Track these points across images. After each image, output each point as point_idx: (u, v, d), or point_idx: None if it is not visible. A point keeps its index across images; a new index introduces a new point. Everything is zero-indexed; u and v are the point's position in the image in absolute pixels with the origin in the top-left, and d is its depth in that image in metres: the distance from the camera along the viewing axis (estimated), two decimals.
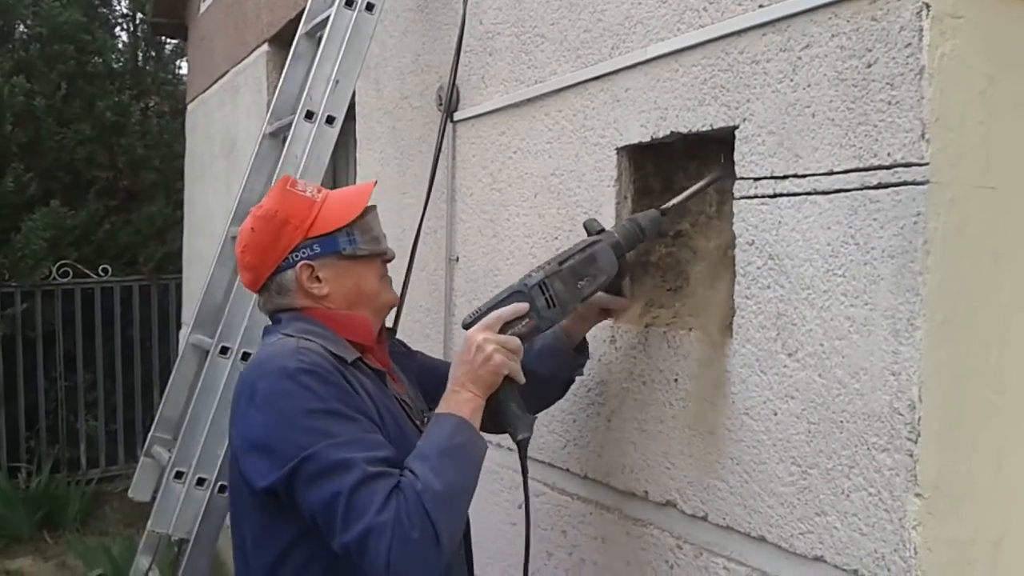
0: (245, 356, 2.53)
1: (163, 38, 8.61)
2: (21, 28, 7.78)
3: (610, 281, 1.79)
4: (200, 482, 2.51)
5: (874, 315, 1.41)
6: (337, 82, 2.61)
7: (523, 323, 1.68)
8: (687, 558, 1.82)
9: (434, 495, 1.44)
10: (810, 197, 1.53)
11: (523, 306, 1.68)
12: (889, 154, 1.39)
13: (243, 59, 5.34)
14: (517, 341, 1.65)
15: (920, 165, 1.34)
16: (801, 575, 1.56)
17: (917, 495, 1.35)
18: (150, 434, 3.04)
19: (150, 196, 7.99)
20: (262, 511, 1.58)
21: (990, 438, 1.42)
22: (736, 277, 1.69)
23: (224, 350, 2.60)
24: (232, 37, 5.61)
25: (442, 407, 1.61)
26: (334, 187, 2.74)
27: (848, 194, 1.45)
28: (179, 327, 7.13)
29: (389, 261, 1.81)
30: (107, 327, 7.14)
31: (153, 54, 9.07)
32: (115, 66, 8.50)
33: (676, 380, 1.84)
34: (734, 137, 1.69)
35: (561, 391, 2.00)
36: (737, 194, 1.69)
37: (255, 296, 2.45)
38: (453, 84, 2.67)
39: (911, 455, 1.36)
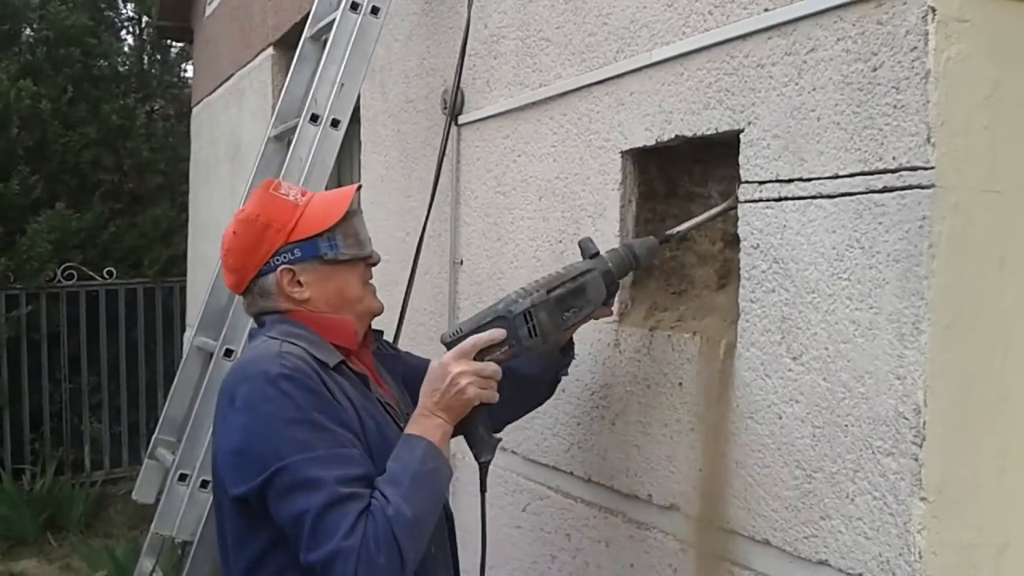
0: None
1: (168, 41, 8.64)
2: (27, 32, 7.81)
3: (596, 309, 1.78)
4: (204, 484, 2.51)
5: (879, 319, 1.41)
6: (342, 85, 2.62)
7: (501, 350, 1.67)
8: (691, 562, 1.82)
9: (404, 523, 1.46)
10: (815, 201, 1.52)
11: (501, 333, 1.67)
12: (894, 158, 1.39)
13: (248, 62, 5.35)
14: (493, 367, 1.65)
15: (925, 169, 1.34)
16: None
17: (922, 499, 1.35)
18: (154, 436, 3.04)
19: (155, 199, 8.00)
20: (239, 517, 1.57)
21: (995, 442, 1.42)
22: (741, 281, 1.69)
23: (228, 352, 2.60)
24: (237, 40, 5.62)
25: (413, 428, 1.61)
26: None
27: (853, 198, 1.45)
28: (183, 330, 7.14)
29: (374, 265, 1.79)
30: (112, 329, 7.14)
31: (159, 57, 9.10)
32: (121, 69, 8.53)
33: (680, 384, 1.84)
34: (739, 141, 1.69)
35: (548, 391, 2.00)
36: (742, 197, 1.69)
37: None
38: (458, 87, 2.68)
39: (916, 459, 1.35)
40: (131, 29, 9.19)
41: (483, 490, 1.73)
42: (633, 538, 1.98)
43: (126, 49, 8.93)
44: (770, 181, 1.62)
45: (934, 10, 1.33)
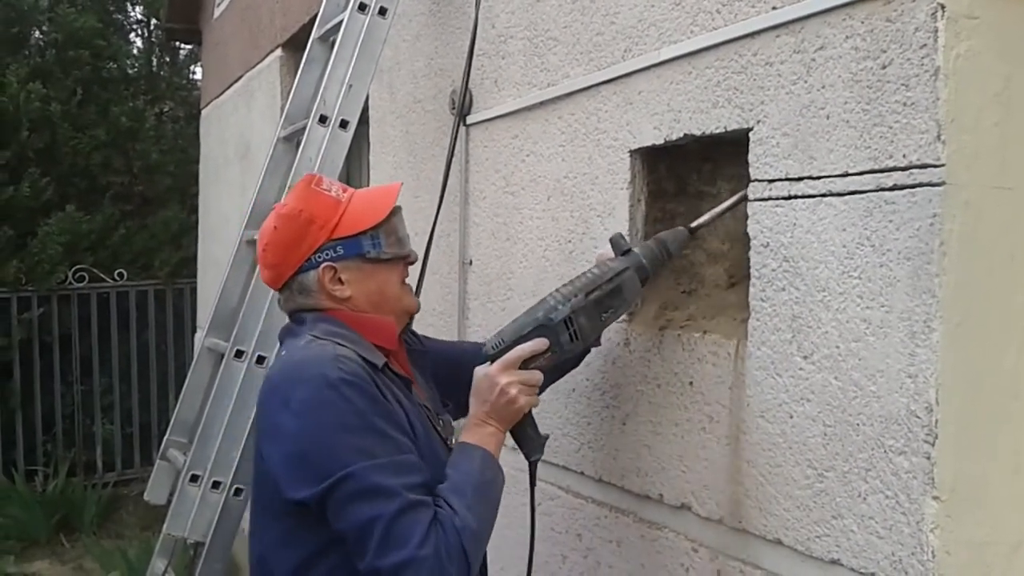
0: (260, 359, 2.54)
1: (177, 43, 8.65)
2: (37, 34, 7.82)
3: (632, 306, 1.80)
4: (215, 485, 2.52)
5: (890, 317, 1.41)
6: (351, 86, 2.62)
7: (545, 356, 1.69)
8: (703, 561, 1.82)
9: (472, 534, 1.47)
10: (825, 199, 1.52)
11: (544, 342, 1.68)
12: (904, 155, 1.38)
13: (257, 64, 5.36)
14: (539, 375, 1.68)
15: (936, 166, 1.34)
16: None
17: (934, 498, 1.34)
18: (166, 437, 3.05)
19: (165, 201, 8.02)
20: (288, 516, 1.55)
21: (1008, 440, 1.41)
22: (751, 279, 1.69)
23: (239, 353, 2.61)
24: (246, 42, 5.63)
25: (467, 437, 1.63)
26: None
27: (863, 196, 1.45)
28: (194, 331, 7.16)
29: (412, 263, 1.79)
30: (123, 331, 7.17)
31: (168, 59, 9.12)
32: (130, 71, 8.55)
33: (691, 383, 1.83)
34: (748, 139, 1.69)
35: (577, 362, 2.02)
36: (752, 196, 1.68)
37: (269, 300, 2.48)
38: (466, 87, 2.68)
39: (928, 458, 1.35)
40: (140, 31, 9.22)
41: (532, 484, 1.80)
42: (644, 538, 1.98)
43: (135, 51, 8.95)
44: (780, 179, 1.62)
45: (943, 7, 1.33)
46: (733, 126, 1.72)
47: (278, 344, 1.78)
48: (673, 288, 2.01)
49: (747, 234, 1.70)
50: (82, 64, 7.62)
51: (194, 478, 2.60)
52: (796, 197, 1.58)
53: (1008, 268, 1.41)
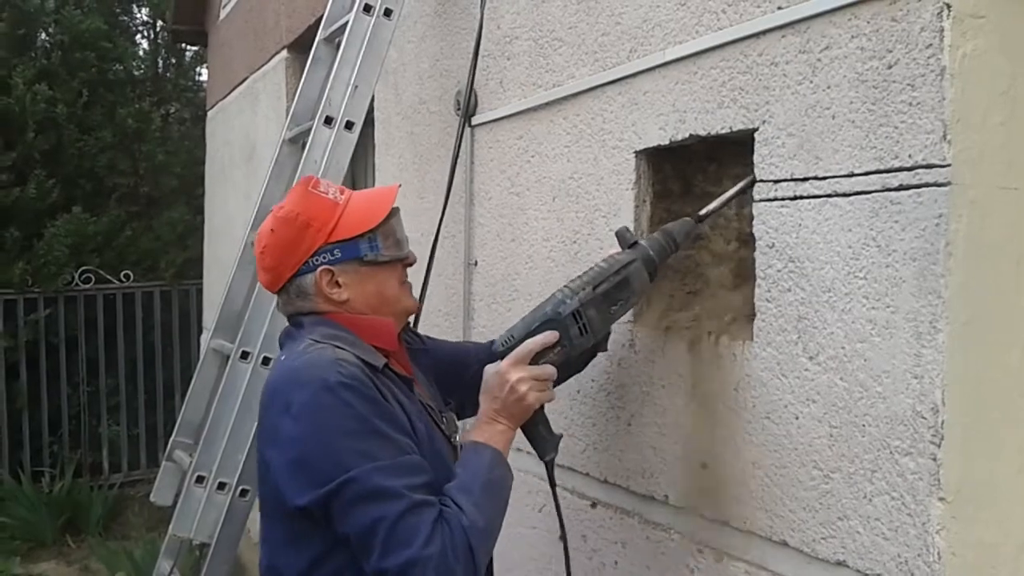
0: (266, 361, 2.54)
1: (183, 45, 8.67)
2: (43, 36, 7.85)
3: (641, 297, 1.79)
4: (221, 486, 2.52)
5: (896, 318, 1.40)
6: (356, 87, 2.62)
7: (554, 351, 1.68)
8: (708, 562, 1.81)
9: (478, 532, 1.47)
10: (831, 199, 1.52)
11: (554, 335, 1.67)
12: (910, 156, 1.38)
13: (262, 65, 5.37)
14: (551, 370, 1.67)
15: (942, 166, 1.33)
16: None
17: (940, 499, 1.34)
18: (171, 439, 3.06)
19: (171, 202, 8.04)
20: (294, 520, 1.55)
21: (1014, 441, 1.41)
22: (756, 280, 1.69)
23: (244, 355, 2.61)
24: (251, 43, 5.64)
25: (476, 435, 1.62)
26: None
27: (869, 196, 1.44)
28: (200, 332, 7.17)
29: (411, 265, 1.79)
30: (129, 332, 7.19)
31: (173, 61, 9.14)
32: (136, 73, 8.58)
33: (696, 384, 1.83)
34: (753, 140, 1.69)
35: (582, 366, 1.99)
36: (757, 197, 1.68)
37: (274, 302, 2.48)
38: (471, 88, 2.68)
39: (934, 459, 1.35)
40: (146, 33, 9.24)
41: (552, 485, 1.78)
42: (650, 539, 1.98)
43: (141, 53, 8.97)
44: (785, 180, 1.61)
45: (949, 7, 1.32)
46: (738, 126, 1.72)
47: (279, 348, 1.77)
48: (678, 289, 2.01)
49: (752, 235, 1.70)
50: (88, 66, 7.64)
51: (200, 479, 2.60)
52: (801, 197, 1.58)
53: (1014, 268, 1.40)
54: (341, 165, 2.60)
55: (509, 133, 2.52)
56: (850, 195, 1.48)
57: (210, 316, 6.20)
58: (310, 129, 2.67)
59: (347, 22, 2.71)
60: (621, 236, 1.79)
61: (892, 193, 1.41)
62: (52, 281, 6.91)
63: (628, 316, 2.01)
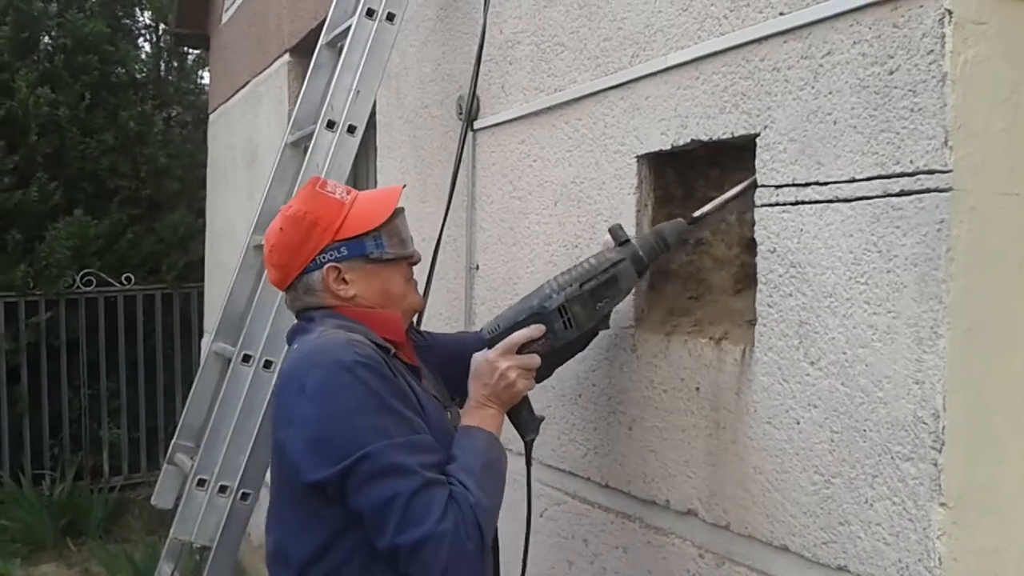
0: (267, 364, 2.54)
1: (185, 48, 8.68)
2: (46, 39, 7.85)
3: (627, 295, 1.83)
4: (222, 490, 2.52)
5: (897, 323, 1.40)
6: (358, 92, 2.62)
7: (539, 343, 1.75)
8: (709, 567, 1.81)
9: (484, 510, 1.53)
10: (832, 205, 1.52)
11: (540, 329, 1.75)
12: (912, 161, 1.38)
13: (265, 69, 5.37)
14: (537, 359, 1.75)
15: (943, 172, 1.33)
16: None
17: (942, 504, 1.34)
18: (172, 442, 3.06)
19: (172, 205, 8.04)
20: (307, 503, 1.57)
21: (1015, 447, 1.41)
22: (758, 285, 1.69)
23: (246, 358, 2.62)
24: (254, 47, 5.64)
25: (469, 420, 1.68)
26: None
27: (870, 201, 1.45)
28: (201, 335, 7.17)
29: (415, 263, 1.83)
30: (130, 335, 7.18)
31: (175, 64, 9.15)
32: (138, 76, 8.58)
33: (697, 389, 1.83)
34: (755, 145, 1.69)
35: (585, 344, 2.05)
36: (758, 202, 1.68)
37: (276, 305, 2.49)
38: (473, 93, 2.68)
39: (935, 464, 1.35)
40: (148, 36, 9.24)
41: (528, 464, 1.84)
42: (651, 544, 1.98)
43: (143, 56, 8.98)
44: (787, 185, 1.61)
45: (951, 13, 1.33)
46: (740, 131, 1.73)
47: (286, 345, 1.79)
48: (680, 294, 2.01)
49: (754, 240, 1.70)
50: (91, 69, 7.65)
51: (201, 482, 2.60)
52: (803, 203, 1.58)
53: (1016, 274, 1.40)
54: (343, 169, 2.61)
55: (511, 137, 2.53)
56: (851, 200, 1.48)
57: (211, 319, 6.20)
58: (312, 133, 2.68)
59: (350, 26, 2.72)
60: (614, 233, 1.82)
61: (893, 199, 1.41)
62: (54, 284, 6.91)
63: (630, 320, 2.02)
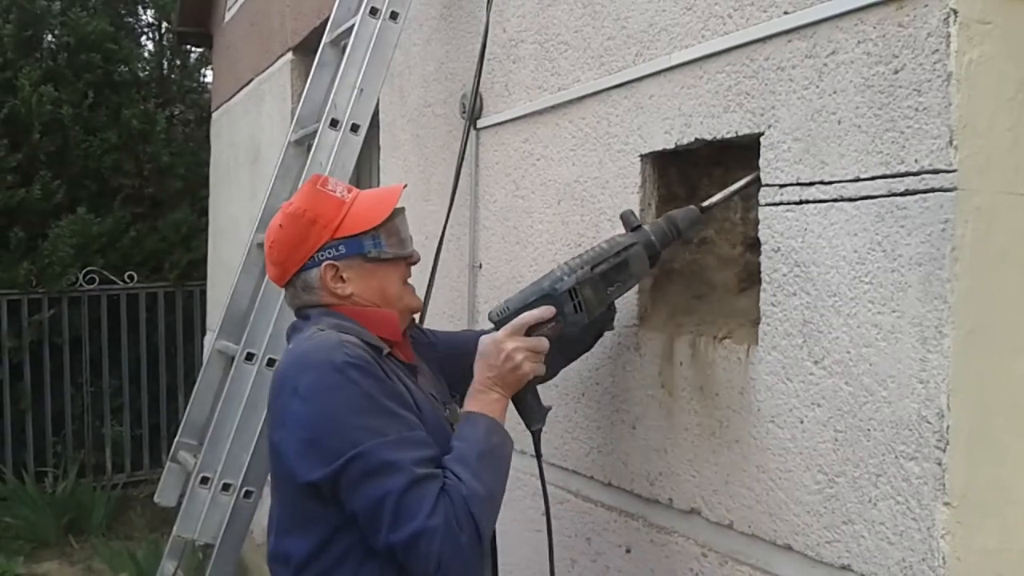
0: (271, 362, 2.54)
1: (188, 47, 8.67)
2: (49, 38, 7.86)
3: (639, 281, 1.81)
4: (225, 487, 2.53)
5: (901, 323, 1.40)
6: (362, 90, 2.63)
7: (549, 326, 1.72)
8: (712, 566, 1.81)
9: (478, 500, 1.51)
10: (836, 204, 1.52)
11: (551, 310, 1.72)
12: (916, 161, 1.38)
13: (268, 67, 5.37)
14: (545, 342, 1.71)
15: (948, 172, 1.33)
16: None
17: (946, 504, 1.34)
18: (176, 439, 3.07)
19: (175, 203, 8.05)
20: (308, 499, 1.58)
21: (1020, 446, 1.41)
22: (762, 284, 1.69)
23: (249, 356, 2.62)
24: (257, 45, 5.64)
25: (472, 406, 1.66)
26: None
27: (875, 201, 1.45)
28: (204, 333, 7.17)
29: (414, 264, 1.83)
30: (133, 333, 7.19)
31: (178, 63, 9.14)
32: (141, 75, 8.58)
33: (701, 388, 1.83)
34: (759, 144, 1.69)
35: (591, 343, 2.04)
36: (763, 201, 1.68)
37: (279, 303, 2.49)
38: (476, 92, 2.68)
39: (939, 463, 1.34)
40: (151, 35, 9.24)
41: (539, 455, 1.82)
42: (654, 543, 1.98)
43: (146, 54, 8.98)
44: (791, 184, 1.61)
45: (956, 12, 1.33)
46: (744, 131, 1.73)
47: (286, 342, 1.80)
48: (684, 293, 2.01)
49: (758, 239, 1.70)
50: (94, 67, 7.66)
51: (204, 480, 2.61)
52: (807, 202, 1.58)
53: (1020, 274, 1.40)
54: (347, 167, 2.61)
55: (514, 136, 2.53)
56: (856, 200, 1.48)
57: (214, 317, 6.21)
58: (316, 131, 2.68)
59: (353, 25, 2.72)
60: (625, 219, 1.82)
61: (898, 198, 1.41)
62: (56, 281, 6.92)
63: (634, 319, 2.02)
